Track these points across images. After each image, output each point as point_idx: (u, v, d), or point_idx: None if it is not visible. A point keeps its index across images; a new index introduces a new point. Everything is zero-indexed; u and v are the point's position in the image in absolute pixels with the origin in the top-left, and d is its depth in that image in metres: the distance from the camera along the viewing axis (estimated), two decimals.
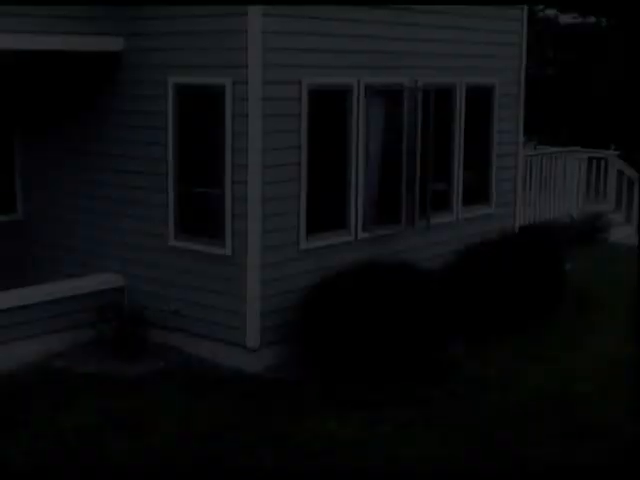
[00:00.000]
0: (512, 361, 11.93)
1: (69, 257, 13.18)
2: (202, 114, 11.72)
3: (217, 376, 11.23)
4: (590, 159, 20.27)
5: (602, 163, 20.55)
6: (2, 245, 13.34)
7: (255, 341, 11.40)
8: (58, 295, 11.91)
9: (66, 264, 13.11)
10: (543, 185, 18.73)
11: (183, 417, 10.03)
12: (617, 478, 8.82)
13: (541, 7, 29.32)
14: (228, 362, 11.48)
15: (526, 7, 15.29)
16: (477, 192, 14.69)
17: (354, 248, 12.38)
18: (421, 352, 11.33)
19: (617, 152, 21.15)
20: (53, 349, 11.72)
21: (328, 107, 11.98)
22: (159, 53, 11.91)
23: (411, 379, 10.99)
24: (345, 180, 12.30)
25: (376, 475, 8.82)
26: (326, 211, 12.13)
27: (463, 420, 10.10)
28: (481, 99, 14.42)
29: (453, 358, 11.67)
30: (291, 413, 10.19)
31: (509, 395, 10.80)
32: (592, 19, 29.96)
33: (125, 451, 9.17)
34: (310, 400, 10.55)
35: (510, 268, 12.98)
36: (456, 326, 11.90)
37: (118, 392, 10.66)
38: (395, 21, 12.60)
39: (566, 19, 30.31)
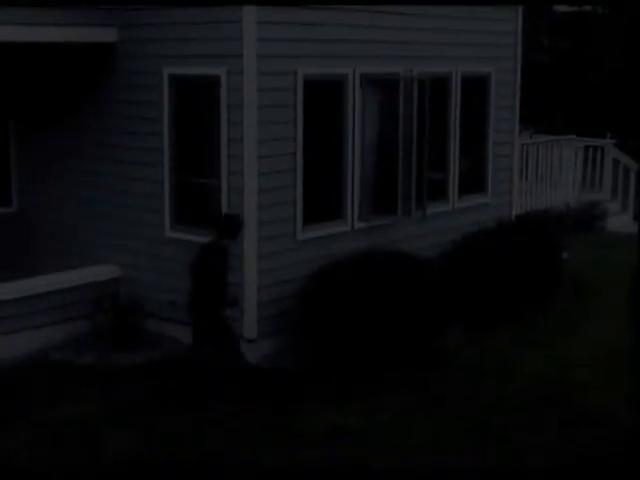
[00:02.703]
0: (510, 348, 11.94)
1: (66, 248, 13.18)
2: (197, 105, 11.71)
3: (214, 366, 11.19)
4: (586, 147, 20.26)
5: (598, 151, 20.55)
6: None
7: (252, 331, 11.40)
8: (55, 287, 11.90)
9: (63, 255, 13.10)
10: (539, 174, 18.72)
11: (181, 408, 10.02)
12: (616, 467, 8.83)
13: None
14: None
15: None
16: (473, 181, 14.69)
17: (351, 238, 12.38)
18: (419, 340, 11.34)
19: (613, 140, 21.13)
20: (50, 341, 11.71)
21: (324, 97, 11.97)
22: (154, 43, 11.90)
23: (409, 367, 11.00)
24: (341, 170, 12.29)
25: (376, 467, 8.85)
26: (322, 201, 12.13)
27: (461, 407, 10.11)
28: (477, 87, 14.40)
29: (451, 345, 11.69)
30: (290, 403, 10.19)
31: (507, 382, 10.82)
32: (588, 7, 29.92)
33: (125, 442, 9.18)
34: (309, 389, 10.56)
35: (507, 256, 12.98)
36: (454, 314, 11.91)
37: (117, 383, 10.67)
38: (390, 10, 12.57)
39: (562, 7, 30.25)
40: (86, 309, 11.89)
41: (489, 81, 14.61)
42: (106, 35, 12.09)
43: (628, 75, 26.24)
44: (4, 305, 11.39)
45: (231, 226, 10.19)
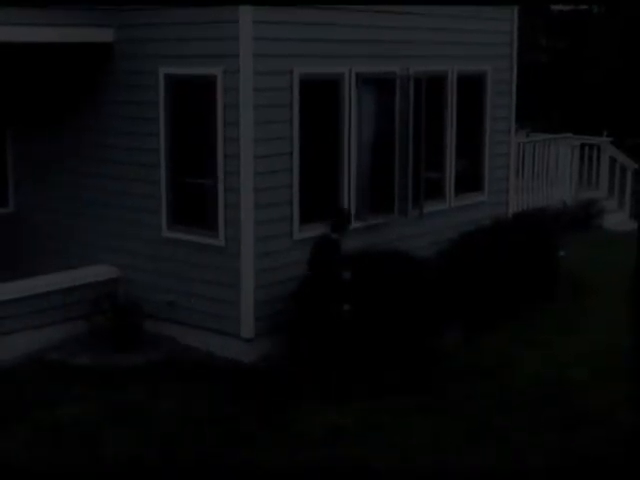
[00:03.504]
0: (508, 347, 11.94)
1: (64, 249, 13.16)
2: (194, 104, 11.70)
3: (213, 366, 11.23)
4: (583, 146, 20.26)
5: (595, 150, 20.55)
6: None
7: (250, 331, 11.39)
8: (54, 287, 11.89)
9: (62, 256, 13.08)
10: (536, 172, 18.72)
11: (181, 408, 10.02)
12: (616, 467, 8.83)
13: None
14: (223, 352, 11.47)
15: None
16: (470, 180, 14.69)
17: (347, 237, 12.34)
18: (417, 340, 11.33)
19: (610, 139, 21.13)
20: (50, 341, 11.70)
21: (320, 96, 11.96)
22: (150, 43, 11.88)
23: (408, 367, 10.99)
24: (337, 169, 12.28)
25: (376, 467, 8.85)
26: (319, 201, 12.11)
27: (461, 407, 10.11)
28: (473, 86, 14.39)
29: (449, 345, 11.68)
30: (289, 403, 10.19)
31: (506, 382, 10.81)
32: (584, 6, 29.98)
33: (125, 442, 9.17)
34: (307, 389, 10.55)
35: (504, 255, 12.98)
36: (452, 313, 11.90)
37: (115, 384, 10.66)
38: (386, 9, 12.57)
39: (558, 6, 30.31)
40: (85, 309, 11.89)
41: (485, 80, 14.60)
42: (103, 35, 12.08)
43: (624, 74, 26.30)
44: (4, 305, 11.38)
45: (343, 219, 10.65)
